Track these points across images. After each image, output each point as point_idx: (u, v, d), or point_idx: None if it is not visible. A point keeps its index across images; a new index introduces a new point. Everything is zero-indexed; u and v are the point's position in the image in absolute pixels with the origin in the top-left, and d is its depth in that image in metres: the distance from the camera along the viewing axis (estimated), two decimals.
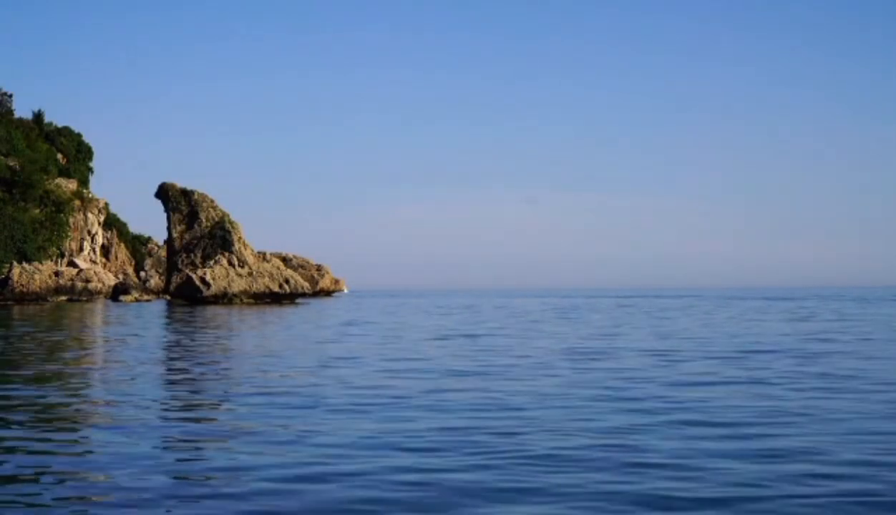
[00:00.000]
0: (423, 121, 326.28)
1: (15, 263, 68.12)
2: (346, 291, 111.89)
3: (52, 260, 72.39)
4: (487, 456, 7.30)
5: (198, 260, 67.26)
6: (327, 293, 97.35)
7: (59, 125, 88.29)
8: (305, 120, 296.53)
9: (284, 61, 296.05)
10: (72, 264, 74.74)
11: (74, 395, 11.47)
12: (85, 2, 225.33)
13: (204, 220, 68.95)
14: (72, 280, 71.55)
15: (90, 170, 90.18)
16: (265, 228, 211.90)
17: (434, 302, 71.26)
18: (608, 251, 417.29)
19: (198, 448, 7.84)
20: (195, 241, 68.37)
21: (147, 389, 11.99)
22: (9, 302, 63.13)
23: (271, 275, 66.68)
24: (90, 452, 7.73)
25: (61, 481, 6.63)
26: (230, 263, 66.40)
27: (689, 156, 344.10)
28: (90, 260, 78.63)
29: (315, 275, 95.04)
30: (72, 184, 78.96)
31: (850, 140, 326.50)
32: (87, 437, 8.45)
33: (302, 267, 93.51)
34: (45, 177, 74.56)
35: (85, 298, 70.63)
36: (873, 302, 60.91)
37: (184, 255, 67.95)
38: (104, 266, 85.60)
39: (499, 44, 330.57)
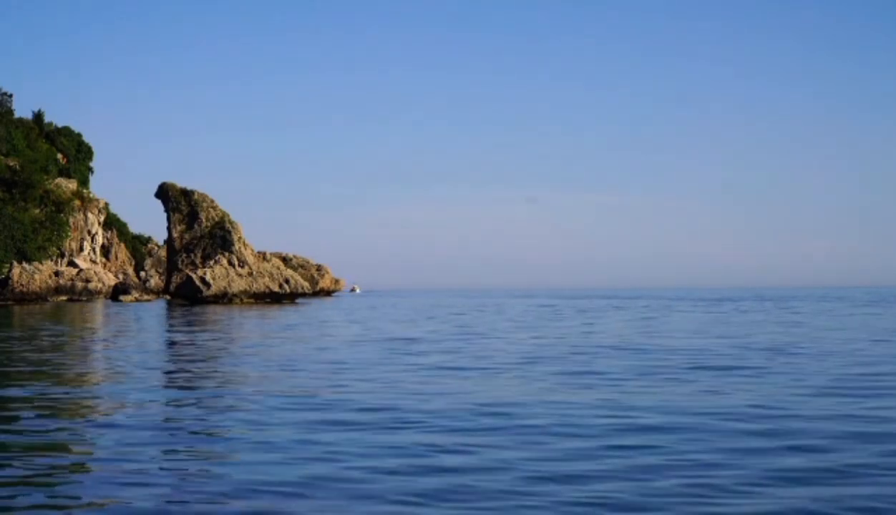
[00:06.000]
0: (424, 120, 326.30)
1: (15, 263, 68.09)
2: (357, 291, 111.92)
3: (52, 260, 72.37)
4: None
5: (198, 260, 67.25)
6: (327, 293, 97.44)
7: (59, 125, 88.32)
8: (306, 120, 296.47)
9: (285, 61, 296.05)
10: (72, 264, 74.72)
11: (76, 397, 11.44)
12: (85, 2, 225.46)
13: (204, 220, 68.94)
14: (72, 280, 71.54)
15: (90, 170, 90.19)
16: (265, 228, 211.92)
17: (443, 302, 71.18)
18: (608, 251, 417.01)
19: (199, 453, 7.83)
20: (195, 241, 68.35)
21: (148, 390, 11.97)
22: (9, 302, 63.12)
23: (271, 275, 66.68)
24: (90, 455, 7.71)
25: (61, 484, 6.61)
26: (230, 263, 66.38)
27: (689, 156, 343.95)
28: (90, 260, 78.61)
29: (315, 275, 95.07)
30: (72, 184, 78.93)
31: (850, 139, 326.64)
32: (86, 440, 8.43)
33: (302, 267, 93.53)
34: (45, 177, 74.56)
35: (85, 298, 70.62)
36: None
37: (184, 255, 67.93)
38: (104, 266, 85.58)
39: (499, 44, 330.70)
